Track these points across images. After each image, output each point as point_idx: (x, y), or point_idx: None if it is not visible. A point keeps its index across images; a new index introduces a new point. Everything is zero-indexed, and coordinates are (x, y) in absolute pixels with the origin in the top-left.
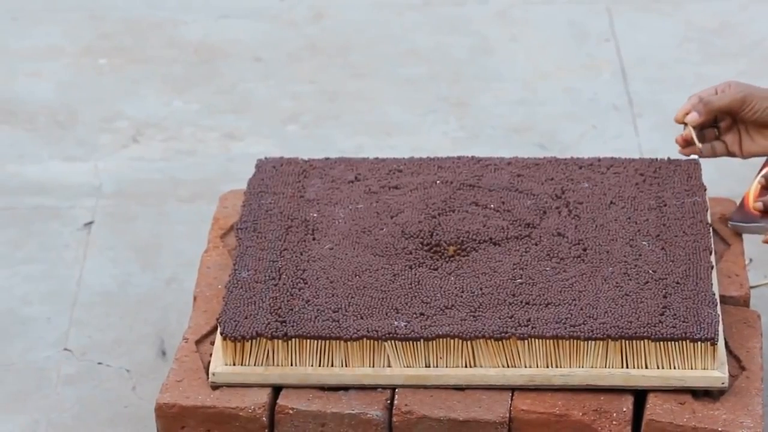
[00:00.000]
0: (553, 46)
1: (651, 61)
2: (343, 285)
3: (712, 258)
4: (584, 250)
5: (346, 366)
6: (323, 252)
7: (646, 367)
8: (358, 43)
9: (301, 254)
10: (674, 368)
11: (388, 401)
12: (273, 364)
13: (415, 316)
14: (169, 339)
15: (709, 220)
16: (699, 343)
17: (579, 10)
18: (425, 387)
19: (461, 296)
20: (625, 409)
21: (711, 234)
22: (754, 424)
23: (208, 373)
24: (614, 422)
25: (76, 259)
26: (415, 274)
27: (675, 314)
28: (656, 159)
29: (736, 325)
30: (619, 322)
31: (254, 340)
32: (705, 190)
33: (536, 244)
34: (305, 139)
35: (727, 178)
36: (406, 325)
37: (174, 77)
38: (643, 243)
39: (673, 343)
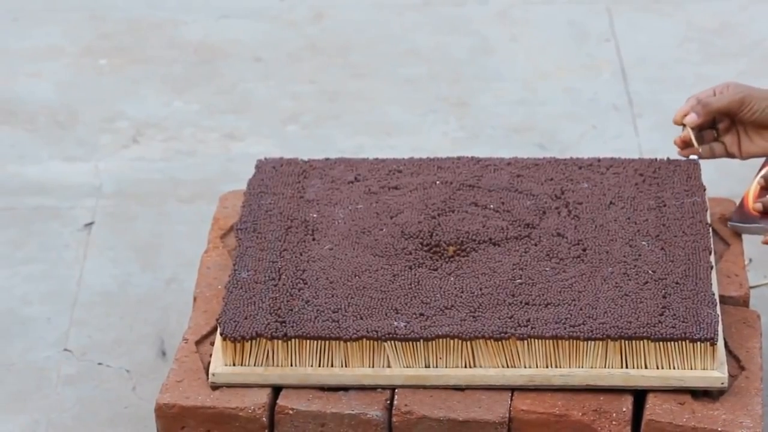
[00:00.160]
0: (553, 46)
1: (651, 61)
2: (342, 285)
3: (712, 258)
4: (584, 250)
5: (345, 366)
6: (323, 252)
7: (646, 367)
8: (359, 43)
9: (301, 255)
10: (674, 368)
11: (388, 401)
12: (273, 365)
13: (414, 316)
14: (169, 339)
15: (709, 221)
16: (698, 343)
17: (579, 10)
18: (425, 387)
19: (461, 296)
20: (624, 409)
21: (710, 234)
22: (754, 424)
23: (208, 374)
24: (614, 422)
25: (76, 259)
26: (415, 275)
27: (674, 314)
28: (656, 159)
29: (735, 325)
30: (618, 323)
31: (254, 341)
32: (704, 190)
33: (536, 245)
34: (305, 140)
35: (726, 179)
36: (405, 326)
37: (174, 77)
38: (643, 243)
39: (672, 343)
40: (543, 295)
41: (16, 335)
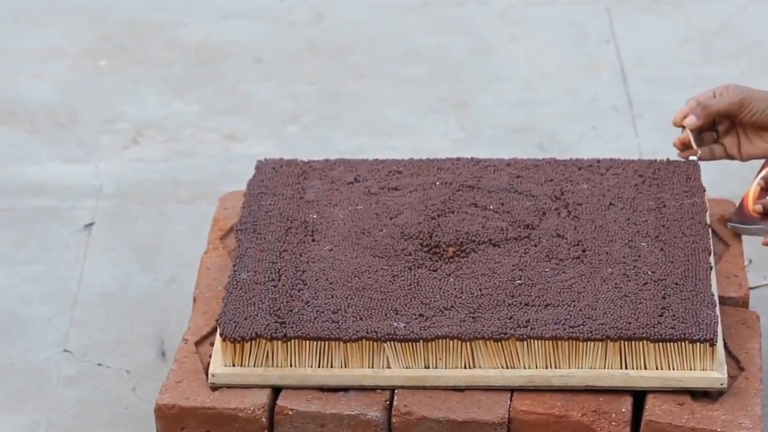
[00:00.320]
0: (553, 46)
1: (651, 62)
2: (342, 286)
3: (711, 259)
4: (583, 251)
5: (345, 367)
6: (323, 253)
7: (645, 368)
8: (359, 43)
9: (301, 255)
10: (673, 369)
11: (388, 402)
12: (272, 365)
13: (414, 317)
14: (168, 340)
15: (708, 222)
16: (698, 344)
17: (579, 11)
18: (424, 388)
19: (460, 297)
20: (624, 410)
21: (710, 235)
22: (753, 424)
23: (207, 374)
24: (613, 423)
25: (76, 259)
26: (415, 276)
27: (674, 315)
28: (655, 160)
29: (735, 326)
30: (618, 323)
31: (254, 341)
32: (704, 191)
33: (535, 246)
34: (305, 140)
35: (726, 179)
36: (405, 326)
37: (174, 78)
38: (642, 244)
39: (672, 344)
40: (542, 295)
41: (16, 336)
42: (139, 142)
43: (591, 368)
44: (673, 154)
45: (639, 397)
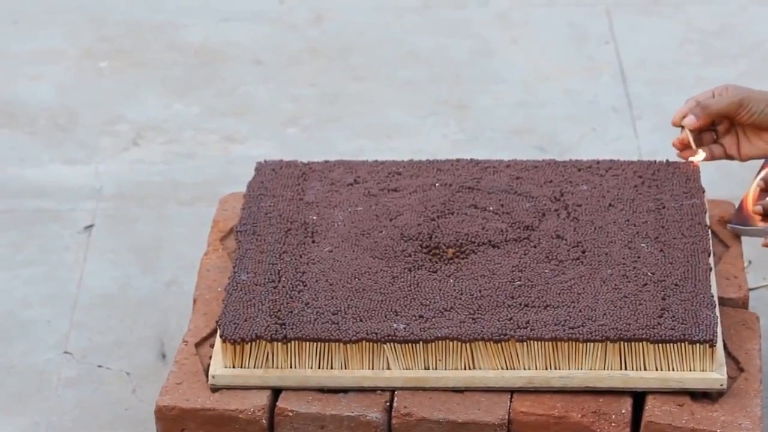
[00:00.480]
0: (553, 48)
1: (651, 63)
2: (342, 287)
3: (711, 260)
4: (583, 252)
5: (345, 368)
6: (322, 254)
7: (645, 369)
8: (359, 45)
9: (301, 257)
10: (673, 370)
11: (388, 403)
12: (272, 367)
13: (414, 318)
14: (169, 341)
15: (708, 223)
16: (698, 344)
17: (579, 13)
18: (424, 389)
19: (460, 298)
20: (624, 411)
21: (710, 236)
22: (753, 425)
23: (207, 376)
24: (613, 424)
25: (76, 261)
26: (414, 277)
27: (674, 316)
28: (655, 161)
29: (734, 327)
30: (617, 324)
31: (254, 343)
32: (704, 192)
33: (535, 247)
34: (305, 142)
35: (726, 180)
36: (405, 328)
37: (174, 80)
38: (642, 245)
39: (671, 344)
40: (542, 297)
41: (17, 338)
42: (139, 144)
43: (591, 369)
44: (673, 156)
45: (639, 398)
